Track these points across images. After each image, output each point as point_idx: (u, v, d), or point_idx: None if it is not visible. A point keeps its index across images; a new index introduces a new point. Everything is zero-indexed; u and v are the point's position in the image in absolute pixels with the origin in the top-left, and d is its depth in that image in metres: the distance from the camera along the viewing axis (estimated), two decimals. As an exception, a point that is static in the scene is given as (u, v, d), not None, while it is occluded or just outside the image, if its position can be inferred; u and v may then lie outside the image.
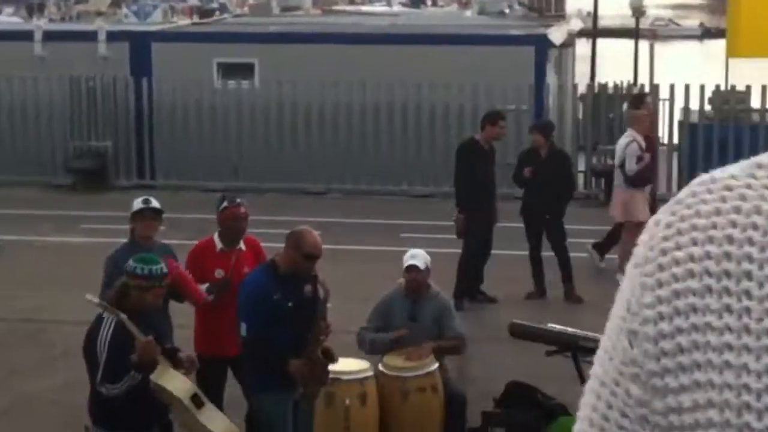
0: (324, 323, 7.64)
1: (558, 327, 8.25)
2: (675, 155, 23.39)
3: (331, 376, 8.16)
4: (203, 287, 8.51)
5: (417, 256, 9.01)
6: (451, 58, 23.14)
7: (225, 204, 8.82)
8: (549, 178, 13.89)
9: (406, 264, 8.97)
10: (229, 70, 24.24)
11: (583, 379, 7.96)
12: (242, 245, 8.86)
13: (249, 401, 8.32)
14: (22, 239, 17.10)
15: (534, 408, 9.01)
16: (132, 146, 24.27)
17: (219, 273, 8.68)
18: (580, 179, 22.48)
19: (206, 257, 8.77)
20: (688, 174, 22.81)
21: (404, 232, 17.76)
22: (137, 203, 8.57)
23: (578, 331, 8.09)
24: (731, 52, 22.78)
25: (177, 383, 6.91)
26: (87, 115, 24.20)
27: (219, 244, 8.81)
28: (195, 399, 6.95)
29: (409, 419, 8.56)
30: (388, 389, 8.60)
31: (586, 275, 14.88)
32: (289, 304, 7.53)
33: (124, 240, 8.96)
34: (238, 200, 8.88)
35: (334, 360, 7.64)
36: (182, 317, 8.86)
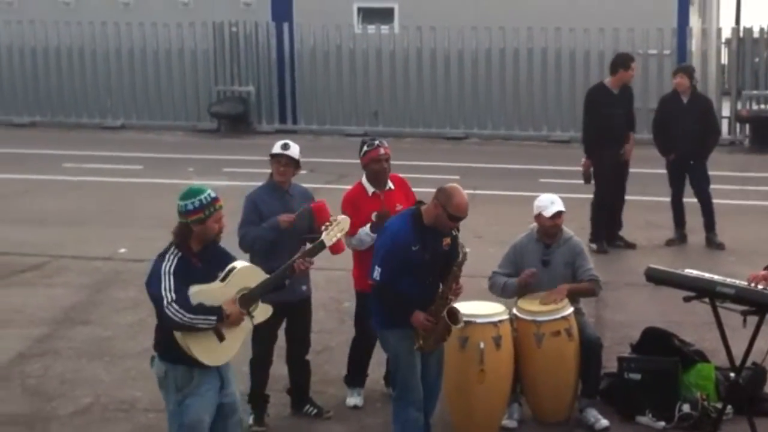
0: (456, 284, 7.66)
1: (695, 272, 8.11)
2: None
3: (466, 318, 8.20)
4: (365, 229, 8.59)
5: (557, 202, 8.96)
6: (591, 1, 22.84)
7: (365, 148, 8.88)
8: (692, 122, 13.69)
9: (548, 210, 8.88)
10: (369, 15, 24.31)
11: (720, 324, 7.89)
12: (391, 185, 8.92)
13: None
14: (167, 182, 17.48)
15: (671, 354, 8.93)
16: (274, 91, 24.56)
17: (375, 215, 8.78)
18: (725, 125, 22.06)
19: (360, 202, 8.81)
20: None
21: (543, 178, 17.69)
22: (277, 146, 8.67)
23: (716, 277, 7.95)
24: None
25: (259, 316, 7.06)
26: (230, 60, 24.53)
27: (370, 188, 8.88)
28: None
29: (543, 363, 8.54)
30: (522, 333, 8.58)
31: (729, 221, 14.66)
32: (426, 257, 7.58)
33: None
34: (377, 142, 8.91)
35: (458, 322, 7.66)
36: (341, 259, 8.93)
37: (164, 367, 6.88)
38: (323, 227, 7.51)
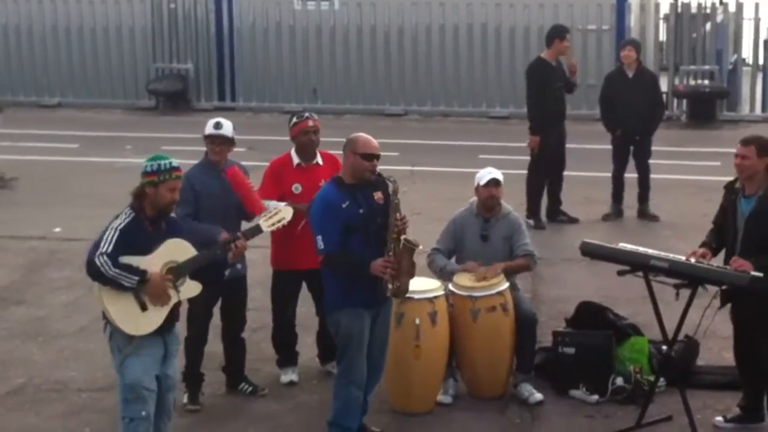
0: (398, 215, 7.58)
1: (629, 246, 8.16)
2: (759, 75, 23.02)
3: (401, 295, 8.22)
4: (281, 204, 8.55)
5: (494, 171, 8.98)
6: (531, -23, 22.85)
7: (294, 119, 8.89)
8: (638, 98, 13.76)
9: (484, 179, 8.91)
10: (309, -9, 24.19)
11: (654, 298, 7.95)
12: (320, 160, 8.91)
13: (323, 319, 8.37)
14: (104, 161, 17.34)
15: (604, 328, 8.99)
16: (213, 68, 24.41)
17: (297, 188, 8.75)
18: (662, 100, 22.19)
19: (284, 172, 8.84)
20: (773, 94, 22.48)
21: (482, 154, 17.71)
22: (209, 126, 8.62)
23: (650, 251, 8.00)
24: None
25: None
26: (168, 37, 24.33)
27: (296, 159, 8.88)
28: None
29: (479, 338, 8.56)
30: (458, 308, 8.60)
31: (665, 196, 14.78)
32: (360, 211, 7.52)
33: (202, 161, 9.02)
34: (306, 114, 8.92)
35: (415, 245, 7.57)
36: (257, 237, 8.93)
37: (110, 330, 6.99)
38: (263, 214, 7.49)
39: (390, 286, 7.54)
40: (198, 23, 24.25)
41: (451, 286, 8.75)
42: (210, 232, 8.06)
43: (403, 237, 7.52)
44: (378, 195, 7.64)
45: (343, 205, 7.52)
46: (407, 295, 8.14)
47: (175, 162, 7.01)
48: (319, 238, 7.52)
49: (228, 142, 8.59)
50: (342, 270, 7.61)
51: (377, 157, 7.61)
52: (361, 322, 7.62)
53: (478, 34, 23.12)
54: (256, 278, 9.60)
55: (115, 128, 21.31)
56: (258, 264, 9.62)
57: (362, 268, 7.49)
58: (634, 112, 13.77)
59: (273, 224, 7.58)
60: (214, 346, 8.90)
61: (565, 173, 14.10)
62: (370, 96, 23.64)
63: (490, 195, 8.93)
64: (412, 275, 7.69)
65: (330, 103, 23.36)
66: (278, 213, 7.66)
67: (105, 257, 6.72)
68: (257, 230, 7.53)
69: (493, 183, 8.89)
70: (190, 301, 7.77)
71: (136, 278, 6.78)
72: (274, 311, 9.14)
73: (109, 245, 6.76)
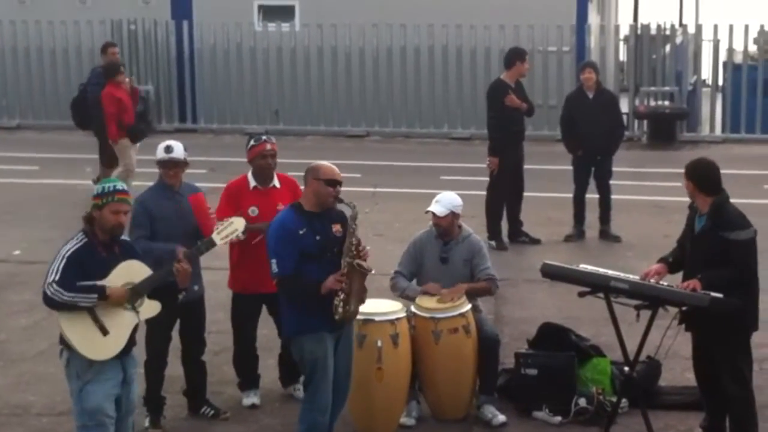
0: (355, 238, 7.57)
1: (590, 267, 8.19)
2: (719, 96, 23.19)
3: (362, 317, 8.19)
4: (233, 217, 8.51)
5: (439, 201, 8.94)
6: (492, -1, 22.94)
7: (252, 143, 8.85)
8: (599, 118, 13.83)
9: (430, 208, 8.96)
10: (270, 13, 24.19)
11: (614, 319, 7.97)
12: (277, 183, 8.88)
13: (285, 342, 8.32)
14: (64, 182, 17.24)
15: (567, 349, 9.00)
16: (173, 90, 24.33)
17: (253, 210, 8.71)
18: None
19: (240, 195, 8.81)
20: (732, 115, 22.65)
21: (444, 175, 17.75)
22: (160, 151, 8.55)
23: (610, 272, 8.03)
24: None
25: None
26: (129, 59, 24.23)
27: (252, 182, 8.85)
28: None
29: (441, 360, 8.55)
30: (420, 330, 8.59)
31: (625, 217, 14.85)
32: (317, 238, 7.52)
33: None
34: (264, 137, 8.89)
35: (368, 269, 7.54)
36: (219, 259, 8.92)
37: (67, 355, 6.95)
38: (216, 227, 7.46)
39: (340, 310, 7.50)
40: (158, 44, 24.19)
41: (413, 308, 8.74)
42: (166, 249, 8.05)
43: (356, 261, 7.51)
44: (336, 227, 7.63)
45: (300, 232, 7.51)
46: (369, 317, 8.15)
47: (120, 185, 6.99)
48: (274, 261, 7.51)
49: (180, 164, 8.54)
50: (295, 292, 7.59)
51: (340, 183, 7.62)
52: (324, 345, 7.59)
53: (439, 56, 23.17)
54: (217, 300, 9.57)
55: (76, 150, 21.14)
56: (219, 286, 9.56)
57: (314, 289, 7.47)
58: (594, 133, 13.84)
59: (227, 236, 7.53)
60: (176, 369, 8.84)
61: (527, 194, 14.13)
62: (331, 117, 23.63)
63: (435, 222, 8.97)
64: (362, 300, 7.66)
65: (292, 124, 23.36)
66: (231, 225, 7.61)
67: (54, 286, 6.71)
68: (210, 243, 7.47)
69: (432, 215, 8.92)
70: (149, 323, 7.74)
71: (95, 296, 6.74)
72: (235, 334, 9.10)
73: (56, 274, 6.75)
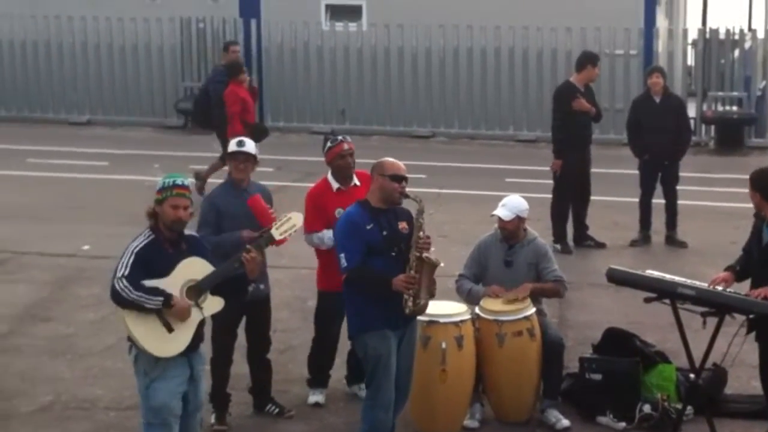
0: (422, 233, 7.63)
1: (656, 273, 8.16)
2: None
3: (428, 318, 8.23)
4: (329, 233, 8.54)
5: (506, 205, 8.94)
6: (560, 1, 22.87)
7: (329, 144, 8.88)
8: (666, 123, 13.75)
9: (496, 212, 8.97)
10: (337, 12, 24.27)
11: (681, 326, 7.94)
12: (357, 181, 8.91)
13: (353, 343, 8.32)
14: (132, 179, 17.41)
15: (632, 355, 8.97)
16: (241, 88, 24.43)
17: (339, 212, 8.67)
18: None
19: (325, 199, 8.82)
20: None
21: (509, 177, 17.73)
22: (232, 144, 8.67)
23: (677, 278, 8.00)
24: None
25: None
26: (197, 56, 24.45)
27: (335, 184, 8.88)
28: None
29: (505, 363, 8.55)
30: (484, 333, 8.59)
31: (692, 223, 14.76)
32: (384, 233, 7.57)
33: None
34: (340, 137, 8.92)
35: (436, 263, 7.59)
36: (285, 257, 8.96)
37: (135, 351, 6.98)
38: (275, 222, 7.48)
39: (410, 304, 7.53)
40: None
41: (477, 310, 8.76)
42: (232, 238, 8.15)
43: (424, 254, 7.54)
44: (403, 224, 7.67)
45: (367, 227, 7.57)
46: (434, 319, 8.18)
47: (180, 179, 7.00)
48: (342, 255, 7.56)
49: (251, 159, 8.62)
50: (364, 285, 7.62)
51: (405, 179, 7.66)
52: (387, 343, 7.63)
53: (505, 57, 23.14)
54: (282, 299, 9.64)
55: (144, 146, 21.42)
56: (284, 285, 9.66)
57: (384, 283, 7.51)
58: (661, 137, 13.76)
59: (285, 231, 7.49)
60: (242, 367, 8.91)
61: (593, 198, 14.09)
62: (397, 117, 23.68)
63: (501, 225, 8.97)
64: (432, 294, 7.69)
65: (358, 124, 23.40)
66: (289, 220, 7.58)
67: (124, 281, 6.74)
68: (270, 238, 7.42)
69: (498, 219, 8.93)
70: (215, 321, 7.82)
71: (160, 299, 6.77)
72: (317, 332, 9.12)
73: (125, 268, 6.77)
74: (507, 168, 19.08)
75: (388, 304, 7.55)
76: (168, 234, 6.96)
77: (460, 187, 17.50)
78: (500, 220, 8.94)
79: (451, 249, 11.94)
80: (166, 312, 6.82)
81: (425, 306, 7.68)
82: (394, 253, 7.60)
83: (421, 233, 7.59)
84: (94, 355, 10.15)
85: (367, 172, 8.99)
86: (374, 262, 7.56)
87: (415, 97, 23.64)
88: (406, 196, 7.67)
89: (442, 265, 7.64)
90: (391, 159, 7.75)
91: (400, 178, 7.63)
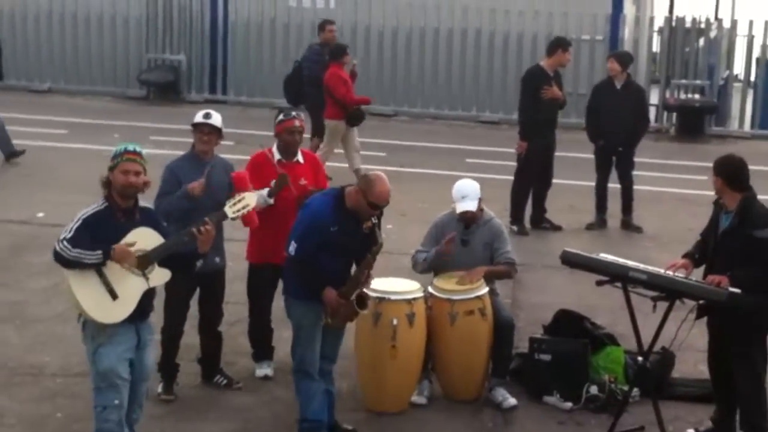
0: (367, 271, 7.66)
1: (609, 257, 8.19)
2: (750, 92, 23.07)
3: (378, 295, 8.25)
4: (264, 192, 8.57)
5: (467, 196, 8.87)
6: (527, -16, 22.83)
7: (281, 117, 8.90)
8: (623, 110, 13.77)
9: (456, 205, 8.91)
10: (304, -11, 24.14)
11: (631, 309, 7.97)
12: (301, 158, 8.92)
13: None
14: (91, 148, 17.29)
15: (581, 336, 9.01)
16: (205, 61, 24.35)
17: (303, 182, 8.77)
18: (652, 113, 22.19)
19: (264, 168, 8.84)
20: (762, 112, 22.52)
21: (470, 158, 17.73)
22: (198, 116, 8.62)
23: (629, 262, 8.03)
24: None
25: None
26: (162, 28, 24.30)
27: (277, 155, 8.89)
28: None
29: (455, 342, 8.57)
30: (436, 311, 8.62)
31: (649, 208, 14.81)
32: (344, 239, 7.58)
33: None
34: (294, 113, 8.94)
35: (365, 308, 7.70)
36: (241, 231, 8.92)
37: (83, 319, 6.98)
38: (228, 201, 7.44)
39: (328, 319, 7.69)
40: (193, 15, 24.21)
41: (430, 288, 8.77)
42: (179, 195, 8.28)
43: (363, 290, 7.68)
44: (368, 224, 7.66)
45: (332, 229, 7.58)
46: (385, 296, 8.23)
47: (132, 146, 6.97)
48: (294, 244, 7.58)
49: (216, 131, 8.58)
50: (301, 277, 7.70)
51: (382, 208, 7.67)
52: (311, 315, 7.72)
53: (471, 39, 23.11)
54: (236, 272, 9.59)
55: (105, 116, 21.27)
56: (239, 257, 9.58)
57: (318, 285, 7.61)
58: (618, 124, 13.79)
59: (237, 210, 7.45)
60: (192, 338, 8.89)
61: (553, 180, 14.11)
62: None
63: (469, 215, 8.95)
64: (348, 320, 7.83)
65: (321, 100, 23.29)
66: (242, 200, 7.54)
67: (64, 242, 6.72)
68: (222, 216, 7.41)
69: (464, 213, 8.90)
70: (167, 291, 7.78)
71: (99, 252, 6.73)
72: (250, 305, 9.15)
73: (69, 232, 6.76)
74: (468, 149, 19.08)
75: (325, 287, 7.65)
76: (122, 202, 6.92)
77: (421, 166, 17.50)
78: (467, 211, 8.90)
79: (409, 227, 11.95)
80: (112, 274, 6.79)
81: (333, 326, 7.77)
82: (344, 258, 7.70)
83: (366, 271, 7.64)
84: (43, 321, 10.09)
85: (312, 153, 9.03)
86: (323, 256, 7.58)
87: (379, 75, 23.57)
88: (377, 226, 7.67)
89: (366, 312, 7.84)
90: (382, 183, 7.58)
91: (377, 208, 7.61)
